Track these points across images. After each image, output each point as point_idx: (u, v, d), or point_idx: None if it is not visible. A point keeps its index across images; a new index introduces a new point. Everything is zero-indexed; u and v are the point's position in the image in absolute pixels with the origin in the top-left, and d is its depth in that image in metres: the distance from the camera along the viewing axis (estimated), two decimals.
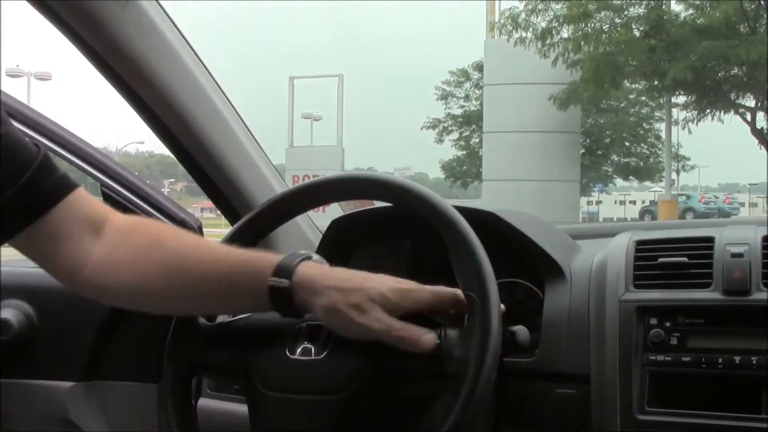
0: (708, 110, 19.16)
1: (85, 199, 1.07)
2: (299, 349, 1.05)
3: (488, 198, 18.43)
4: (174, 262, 1.05)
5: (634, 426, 1.11)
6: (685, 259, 1.20)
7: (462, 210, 1.09)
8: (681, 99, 19.78)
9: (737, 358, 1.09)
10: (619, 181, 31.60)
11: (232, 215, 1.65)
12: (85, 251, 1.05)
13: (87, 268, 1.05)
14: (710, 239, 1.23)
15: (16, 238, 1.02)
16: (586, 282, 1.25)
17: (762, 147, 18.38)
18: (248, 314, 1.32)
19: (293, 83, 20.59)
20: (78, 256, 1.04)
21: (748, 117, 18.42)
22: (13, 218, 1.01)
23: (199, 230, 1.68)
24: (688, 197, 31.38)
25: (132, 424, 1.60)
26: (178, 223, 1.65)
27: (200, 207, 14.17)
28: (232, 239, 1.22)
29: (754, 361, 1.08)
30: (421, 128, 29.16)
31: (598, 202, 37.59)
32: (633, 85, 21.73)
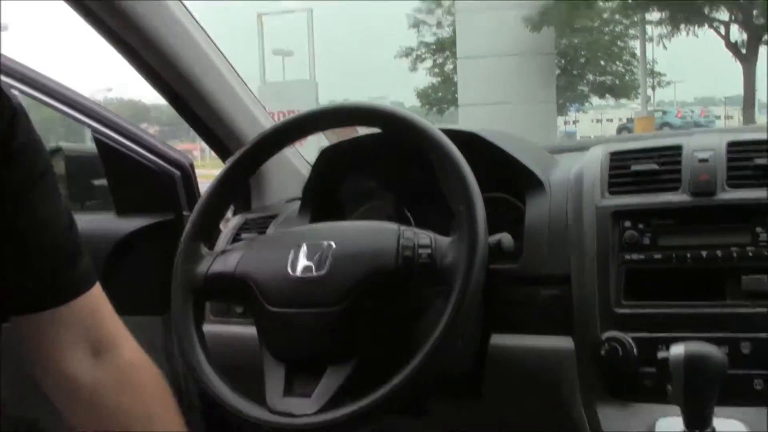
0: (682, 25, 19.11)
1: (99, 304, 0.97)
2: (300, 268, 1.14)
3: (465, 123, 18.39)
4: None
5: (612, 318, 1.19)
6: (655, 166, 1.27)
7: (446, 132, 1.17)
8: (655, 15, 19.69)
9: (704, 253, 1.17)
10: (595, 100, 31.55)
11: (223, 152, 1.72)
12: (74, 369, 0.94)
13: (68, 386, 0.95)
14: (678, 147, 1.29)
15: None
16: (564, 192, 1.32)
17: (736, 60, 18.43)
18: (249, 238, 1.40)
19: (262, 20, 20.28)
20: (64, 367, 0.94)
21: (722, 30, 18.43)
22: (15, 301, 0.91)
23: (191, 168, 1.75)
24: (665, 113, 31.48)
25: None
26: (171, 162, 1.72)
27: None
28: (228, 174, 1.30)
29: (720, 255, 1.17)
30: (394, 57, 28.95)
31: (575, 122, 37.63)
32: (606, 4, 21.59)
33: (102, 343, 0.96)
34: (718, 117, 37.33)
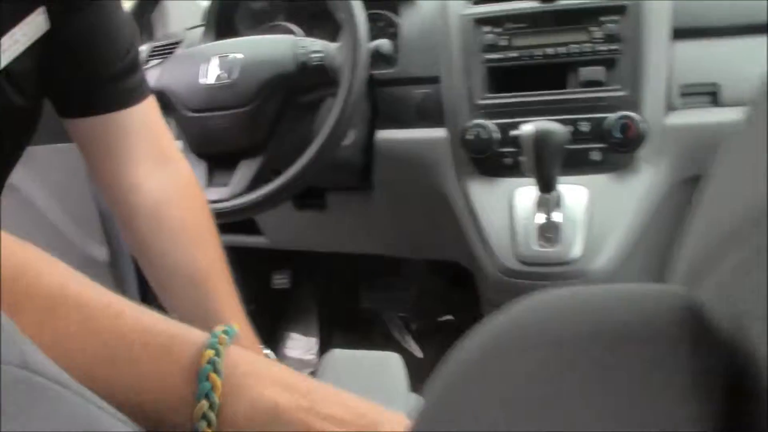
0: None
1: (157, 117, 0.97)
2: (213, 77, 1.32)
3: None
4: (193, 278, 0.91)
5: (476, 109, 1.39)
6: None
7: None
8: None
9: (550, 50, 1.38)
10: None
11: None
12: (140, 176, 0.93)
13: (133, 195, 0.93)
14: None
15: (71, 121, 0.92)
16: (433, 5, 1.49)
17: None
18: (162, 59, 1.56)
19: None
20: (130, 174, 0.93)
21: None
22: (80, 101, 0.91)
23: None
24: None
25: (68, 186, 1.81)
26: None
27: None
28: (139, 5, 1.44)
29: (562, 51, 1.37)
30: None
31: None
32: None
33: (164, 155, 0.95)
34: None
